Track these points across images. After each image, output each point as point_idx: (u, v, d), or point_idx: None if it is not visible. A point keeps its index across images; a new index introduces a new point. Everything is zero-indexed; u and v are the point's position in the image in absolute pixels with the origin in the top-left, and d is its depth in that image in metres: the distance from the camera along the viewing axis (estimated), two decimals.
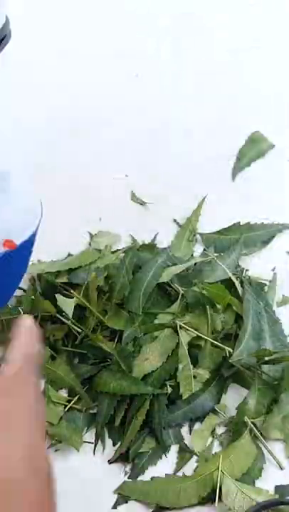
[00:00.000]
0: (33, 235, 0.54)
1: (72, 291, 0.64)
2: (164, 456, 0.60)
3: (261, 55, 0.87)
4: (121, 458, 0.60)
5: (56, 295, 0.63)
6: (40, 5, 0.89)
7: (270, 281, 0.69)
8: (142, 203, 0.75)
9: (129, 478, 0.59)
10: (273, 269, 0.70)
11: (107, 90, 0.83)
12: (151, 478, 0.58)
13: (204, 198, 0.74)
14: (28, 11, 0.86)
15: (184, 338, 0.62)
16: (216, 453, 0.60)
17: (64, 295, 0.64)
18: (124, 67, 0.85)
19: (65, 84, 0.83)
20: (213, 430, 0.61)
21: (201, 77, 0.85)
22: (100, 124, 0.80)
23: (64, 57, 0.85)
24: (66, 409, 0.61)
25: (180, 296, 0.65)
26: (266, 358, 0.61)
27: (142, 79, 0.85)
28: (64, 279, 0.66)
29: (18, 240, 0.52)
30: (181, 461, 0.60)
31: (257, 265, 0.71)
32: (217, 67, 0.86)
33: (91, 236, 0.72)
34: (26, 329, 0.45)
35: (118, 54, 0.86)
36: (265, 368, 0.62)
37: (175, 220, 0.73)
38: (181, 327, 0.62)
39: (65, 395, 0.63)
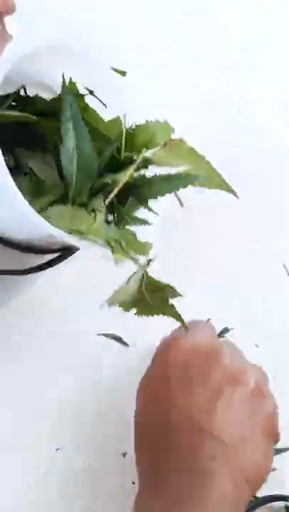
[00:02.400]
0: None
1: None
2: None
3: (273, 53, 0.86)
4: None
5: None
6: (55, 4, 0.89)
7: None
8: None
9: None
10: None
11: None
12: None
13: None
14: (42, 11, 0.86)
15: None
16: None
17: None
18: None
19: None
20: None
21: (212, 74, 0.85)
22: None
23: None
24: None
25: None
26: None
27: None
28: None
29: None
30: None
31: None
32: (229, 65, 0.85)
33: None
34: None
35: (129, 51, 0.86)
36: None
37: None
38: None
39: None
